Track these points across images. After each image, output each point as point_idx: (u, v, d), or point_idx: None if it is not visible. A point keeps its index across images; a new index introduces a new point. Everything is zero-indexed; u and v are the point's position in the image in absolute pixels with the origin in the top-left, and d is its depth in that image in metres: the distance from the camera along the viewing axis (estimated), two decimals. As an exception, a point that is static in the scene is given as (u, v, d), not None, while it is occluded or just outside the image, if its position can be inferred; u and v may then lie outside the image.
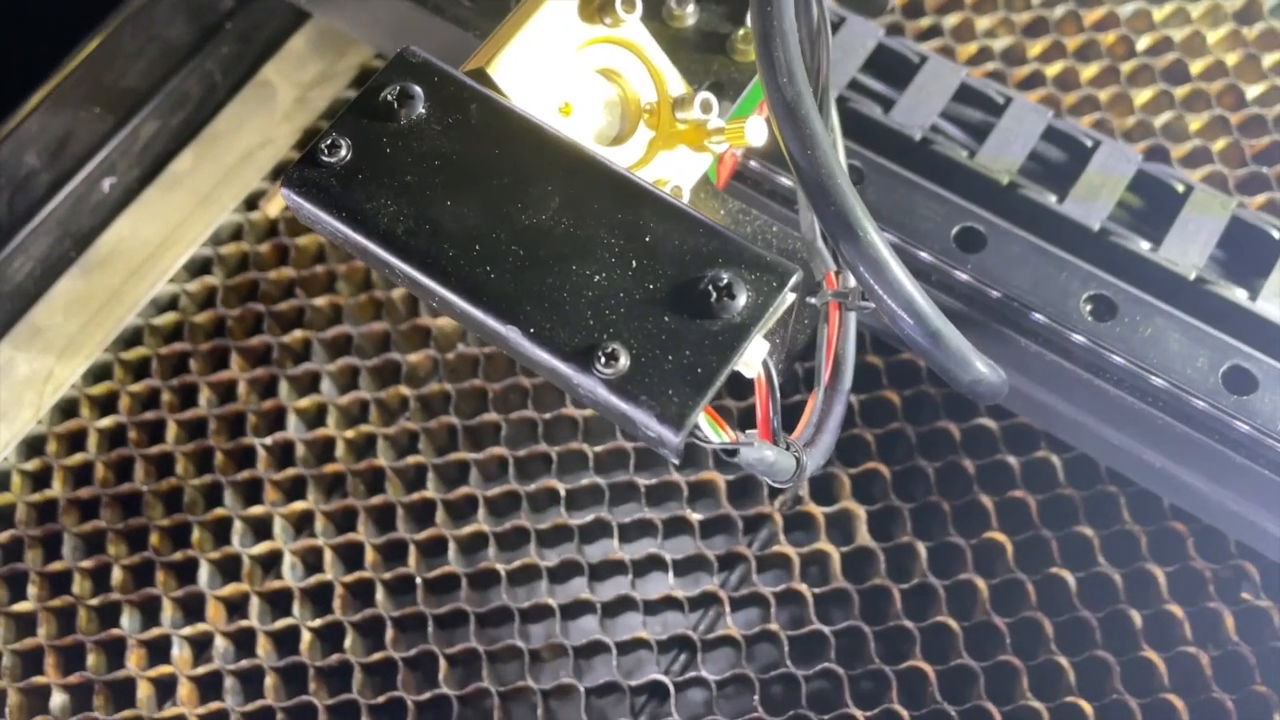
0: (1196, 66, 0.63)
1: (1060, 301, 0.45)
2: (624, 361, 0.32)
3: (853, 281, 0.43)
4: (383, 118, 0.35)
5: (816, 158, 0.33)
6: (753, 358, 0.33)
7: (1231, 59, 0.63)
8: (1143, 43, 0.64)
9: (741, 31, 0.45)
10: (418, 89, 0.35)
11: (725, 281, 0.33)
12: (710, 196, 0.46)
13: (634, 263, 0.33)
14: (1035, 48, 0.64)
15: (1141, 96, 0.62)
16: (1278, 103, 0.62)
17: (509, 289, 0.33)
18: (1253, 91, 0.62)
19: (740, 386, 0.56)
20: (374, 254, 0.34)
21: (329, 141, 0.35)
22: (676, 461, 0.34)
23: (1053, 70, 0.63)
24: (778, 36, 0.33)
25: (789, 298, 0.33)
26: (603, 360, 0.32)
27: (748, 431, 0.35)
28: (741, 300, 0.33)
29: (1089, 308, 0.45)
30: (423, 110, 0.35)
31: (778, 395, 0.34)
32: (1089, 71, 0.63)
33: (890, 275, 0.33)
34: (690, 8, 0.46)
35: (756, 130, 0.40)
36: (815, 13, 0.39)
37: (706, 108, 0.41)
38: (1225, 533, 0.52)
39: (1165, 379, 0.43)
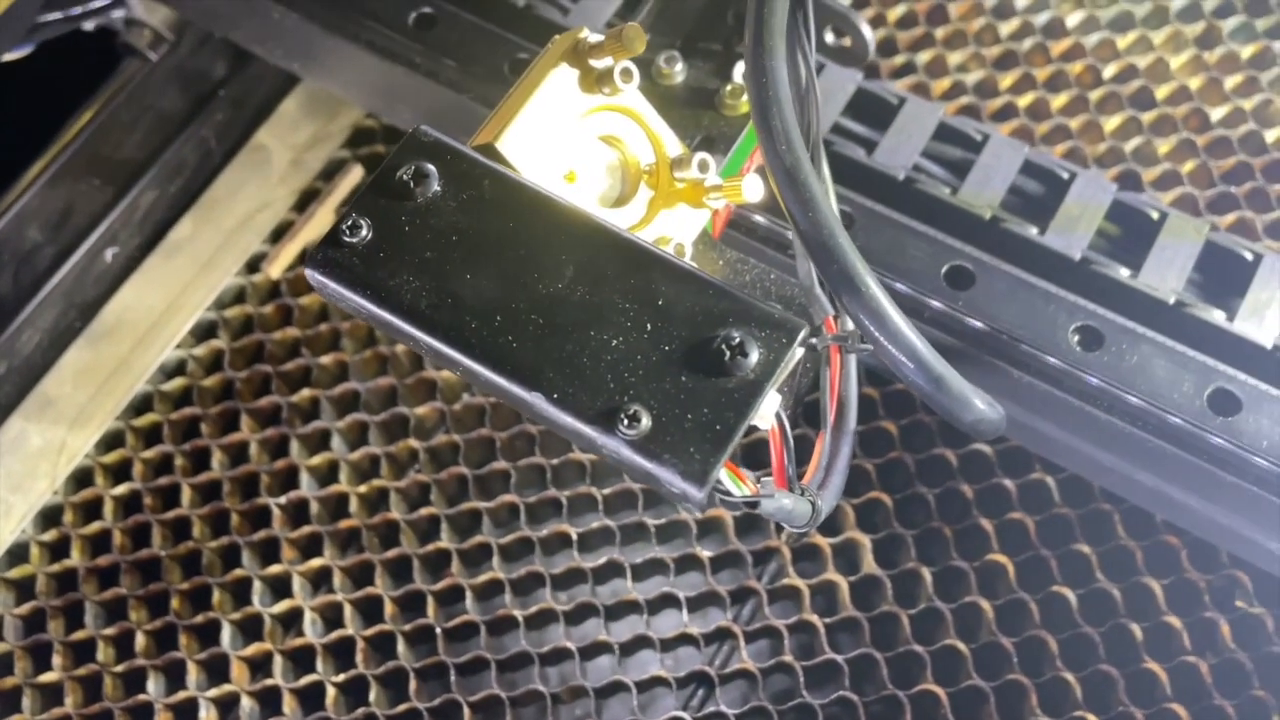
0: (1162, 92, 0.65)
1: (1049, 334, 0.46)
2: (646, 422, 0.34)
3: (851, 325, 0.45)
4: (400, 197, 0.37)
5: (817, 219, 0.34)
6: (766, 411, 0.35)
7: (1195, 83, 0.65)
8: (1109, 70, 0.66)
9: (729, 86, 0.47)
10: (431, 168, 0.37)
11: (737, 340, 0.34)
12: (708, 247, 0.47)
13: (649, 325, 0.35)
14: (1006, 80, 0.66)
15: (1111, 123, 0.65)
16: (1241, 124, 0.64)
17: (531, 357, 0.35)
18: (1217, 114, 0.65)
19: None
20: (399, 328, 0.36)
21: (350, 222, 0.36)
22: (699, 515, 0.35)
23: (1024, 101, 0.66)
24: (774, 105, 0.35)
25: (798, 353, 0.35)
26: (625, 422, 0.34)
27: (762, 479, 0.36)
28: (754, 357, 0.34)
29: (1077, 338, 0.47)
30: (438, 188, 0.37)
31: (791, 444, 0.36)
32: (1059, 101, 0.65)
33: (893, 326, 0.35)
34: (679, 66, 0.48)
35: (753, 188, 0.42)
36: (803, 73, 0.41)
37: (704, 167, 0.42)
38: (1217, 545, 0.54)
39: (1152, 404, 0.45)
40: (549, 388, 0.34)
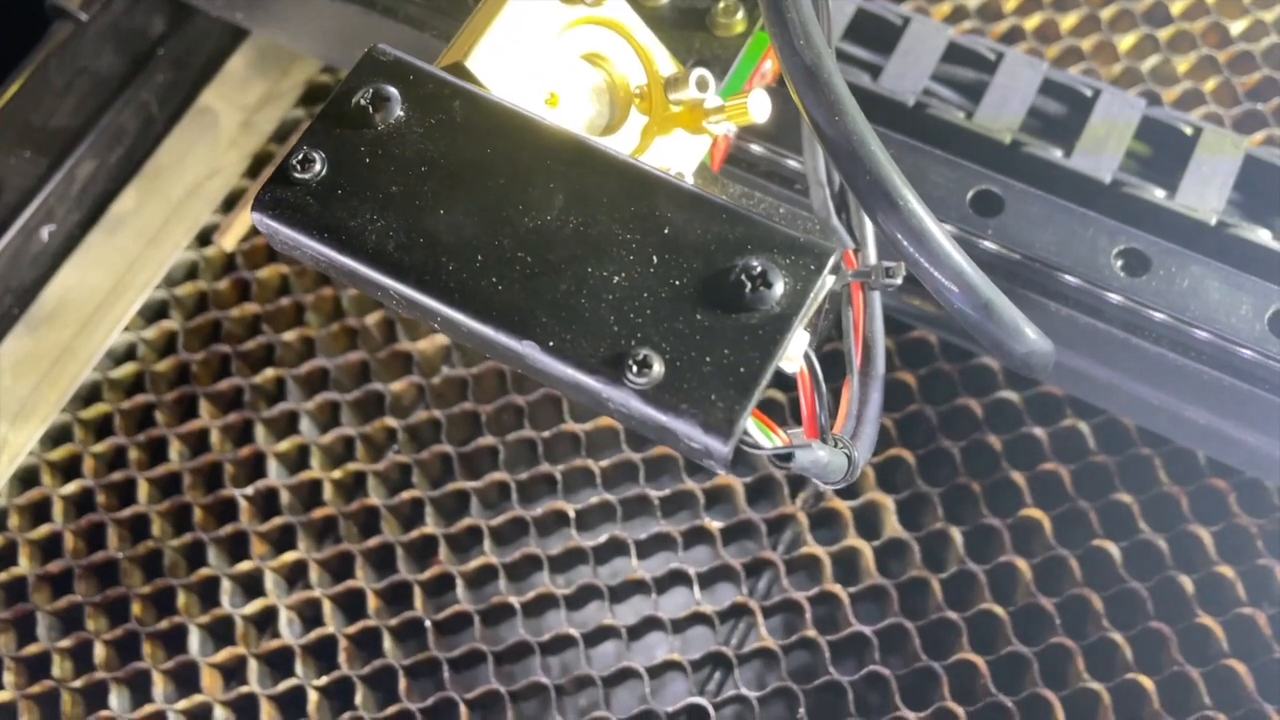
0: (1177, 7, 0.61)
1: (1090, 260, 0.42)
2: (658, 368, 0.29)
3: (874, 259, 0.40)
4: (357, 124, 0.32)
5: (845, 124, 0.30)
6: (795, 350, 0.30)
7: (1211, -4, 0.61)
8: (1119, -13, 0.62)
9: (721, 4, 0.42)
10: (392, 90, 0.32)
11: (759, 270, 0.29)
12: (709, 181, 0.43)
13: (655, 258, 0.30)
14: (1010, 1, 0.62)
15: (1125, 42, 0.60)
16: (1263, 37, 0.60)
17: (520, 300, 0.30)
18: (1236, 27, 0.60)
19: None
20: (364, 276, 0.31)
21: (300, 156, 0.31)
22: (723, 473, 0.30)
23: (1031, 23, 0.61)
24: (788, -4, 0.30)
25: (829, 280, 0.30)
26: (634, 369, 0.29)
27: (791, 430, 0.32)
28: (779, 288, 0.29)
29: (1120, 263, 0.42)
30: (400, 112, 0.32)
31: (823, 389, 0.31)
32: (1068, 21, 0.61)
33: (936, 245, 0.30)
34: (664, -17, 0.43)
35: (760, 106, 0.37)
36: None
37: (703, 85, 0.37)
38: (1266, 483, 0.50)
39: (1209, 330, 0.41)
40: (543, 334, 0.30)
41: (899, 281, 0.36)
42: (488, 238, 0.31)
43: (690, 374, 0.29)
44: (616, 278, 0.30)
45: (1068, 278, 0.42)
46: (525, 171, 0.31)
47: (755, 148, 0.45)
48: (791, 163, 0.45)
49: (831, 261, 0.30)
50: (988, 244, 0.43)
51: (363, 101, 0.32)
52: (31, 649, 0.51)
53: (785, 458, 0.29)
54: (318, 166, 0.31)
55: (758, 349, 0.29)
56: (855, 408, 0.37)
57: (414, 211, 0.31)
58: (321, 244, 0.31)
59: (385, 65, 0.32)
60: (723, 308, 0.30)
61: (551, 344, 0.30)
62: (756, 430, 0.29)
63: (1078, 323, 0.43)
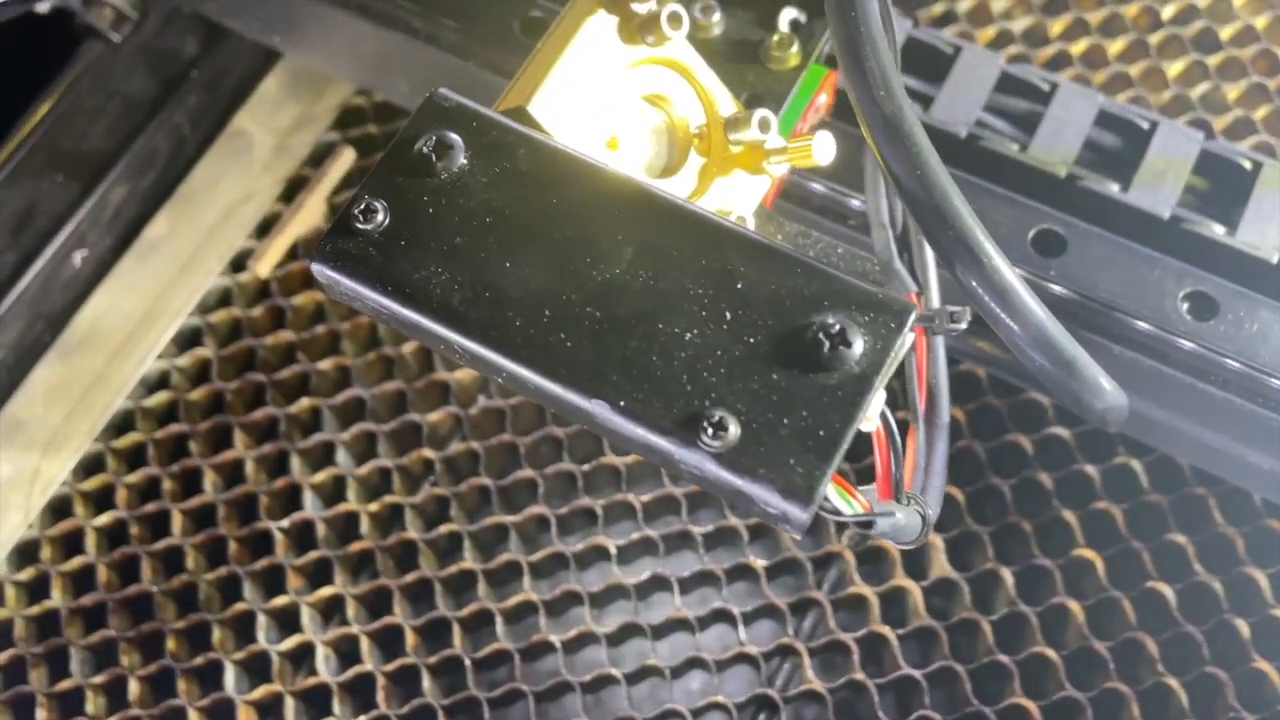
0: (1226, 32, 0.60)
1: (1156, 303, 0.41)
2: (734, 430, 0.28)
3: (936, 302, 0.39)
4: (419, 173, 0.31)
5: (927, 178, 0.29)
6: (873, 410, 0.29)
7: (1260, 22, 0.60)
8: (1167, 11, 0.61)
9: (775, 37, 0.42)
10: (455, 137, 0.31)
11: (838, 328, 0.28)
12: (764, 220, 0.42)
13: (728, 314, 0.29)
14: (1056, 26, 0.61)
15: (1174, 68, 0.59)
16: (1315, 64, 0.59)
17: (589, 358, 0.29)
18: (1288, 54, 0.59)
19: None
20: (428, 330, 0.30)
21: (362, 206, 0.30)
22: (799, 538, 0.29)
23: (1078, 48, 0.60)
24: (867, 44, 0.29)
25: (909, 338, 0.29)
26: (710, 431, 0.28)
27: (862, 488, 0.31)
28: (858, 347, 0.28)
29: (1186, 306, 0.41)
30: (464, 160, 0.31)
31: (899, 447, 0.30)
32: (1116, 47, 0.60)
33: (1019, 302, 0.29)
34: (716, 16, 0.42)
35: (825, 148, 0.36)
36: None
37: (765, 127, 0.37)
38: (1326, 527, 0.49)
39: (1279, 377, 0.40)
40: (614, 394, 0.29)
41: (964, 326, 0.35)
42: (555, 291, 0.30)
43: (767, 437, 0.28)
44: (689, 334, 0.29)
45: (1134, 321, 0.41)
46: (593, 223, 0.30)
47: (812, 184, 0.44)
48: (846, 199, 0.44)
49: (912, 319, 0.29)
50: (1051, 286, 0.42)
51: (425, 149, 0.31)
52: (64, 684, 0.51)
53: (867, 525, 0.29)
54: (380, 216, 0.30)
55: (837, 411, 0.28)
56: (922, 459, 0.36)
57: (479, 264, 0.30)
58: (384, 296, 0.30)
59: (447, 111, 0.32)
60: (800, 367, 0.29)
61: (623, 404, 0.29)
62: (836, 496, 0.28)
63: (1142, 366, 0.42)
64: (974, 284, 0.29)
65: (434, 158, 0.31)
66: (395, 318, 0.30)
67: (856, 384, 0.28)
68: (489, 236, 0.30)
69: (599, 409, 0.29)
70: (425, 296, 0.30)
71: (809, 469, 0.28)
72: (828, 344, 0.28)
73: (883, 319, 0.29)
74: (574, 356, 0.29)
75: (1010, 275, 0.29)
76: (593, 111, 0.34)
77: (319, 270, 0.30)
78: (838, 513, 0.28)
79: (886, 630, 0.49)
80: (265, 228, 0.59)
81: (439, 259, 0.30)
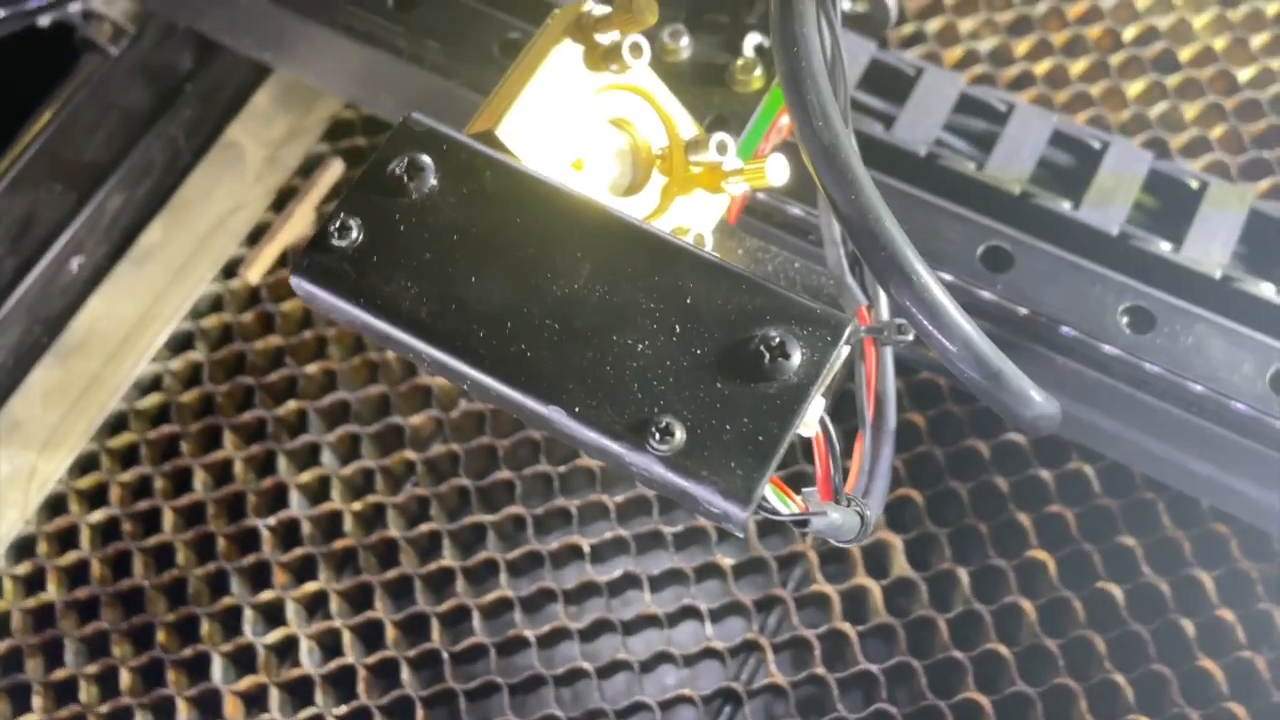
0: (1185, 54, 0.62)
1: (1097, 316, 0.43)
2: (680, 435, 0.30)
3: (885, 315, 0.41)
4: (392, 193, 0.33)
5: (861, 202, 0.31)
6: (811, 417, 0.31)
7: (1219, 43, 0.62)
8: (1129, 33, 0.63)
9: (740, 61, 0.44)
10: (426, 160, 0.33)
11: (777, 340, 0.31)
12: (726, 235, 0.44)
13: (677, 327, 0.31)
14: (1021, 46, 0.63)
15: (1134, 88, 0.61)
16: (1270, 84, 0.61)
17: (548, 367, 0.31)
18: (1244, 75, 0.61)
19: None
20: (398, 340, 0.32)
21: (338, 224, 0.32)
22: (740, 535, 0.32)
23: (1041, 68, 0.62)
24: (808, 79, 0.32)
25: (844, 351, 0.31)
26: (657, 436, 0.30)
27: (804, 490, 0.33)
28: (796, 359, 0.31)
29: (1126, 320, 0.43)
30: (434, 182, 0.33)
31: (837, 451, 0.32)
32: (1078, 67, 0.62)
33: (948, 318, 0.31)
34: (684, 40, 0.44)
35: (778, 170, 0.38)
36: (828, 41, 0.37)
37: (722, 149, 0.39)
38: (1270, 531, 0.51)
39: (1210, 388, 0.42)
40: (569, 400, 0.31)
41: (910, 338, 0.37)
42: (517, 305, 0.32)
43: (711, 441, 0.30)
44: (640, 346, 0.31)
45: (1075, 334, 0.43)
46: (554, 241, 0.32)
47: (773, 200, 0.46)
48: (804, 214, 0.46)
49: (847, 332, 0.31)
50: (997, 299, 0.44)
51: (398, 171, 0.33)
52: (59, 674, 0.53)
53: (802, 523, 0.31)
54: (354, 234, 0.32)
55: (776, 418, 0.30)
56: (867, 463, 0.38)
57: (446, 279, 0.32)
58: (358, 309, 0.32)
59: (419, 135, 0.34)
60: (742, 377, 0.31)
61: (577, 409, 0.31)
62: (774, 497, 0.30)
63: (1084, 376, 0.44)
64: (905, 301, 0.31)
65: (406, 179, 0.33)
66: (368, 328, 0.32)
67: (794, 393, 0.30)
68: (457, 253, 0.32)
69: (555, 414, 0.31)
70: (396, 309, 0.32)
71: (749, 471, 0.30)
72: (768, 355, 0.30)
73: (820, 332, 0.31)
74: (533, 365, 0.31)
75: (938, 292, 0.31)
76: (559, 134, 0.36)
77: (297, 284, 0.33)
78: (776, 512, 0.30)
79: (847, 627, 0.51)
80: (256, 236, 0.61)
81: (409, 274, 0.32)
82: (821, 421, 0.32)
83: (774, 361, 0.30)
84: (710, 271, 0.32)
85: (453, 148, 0.34)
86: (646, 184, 0.39)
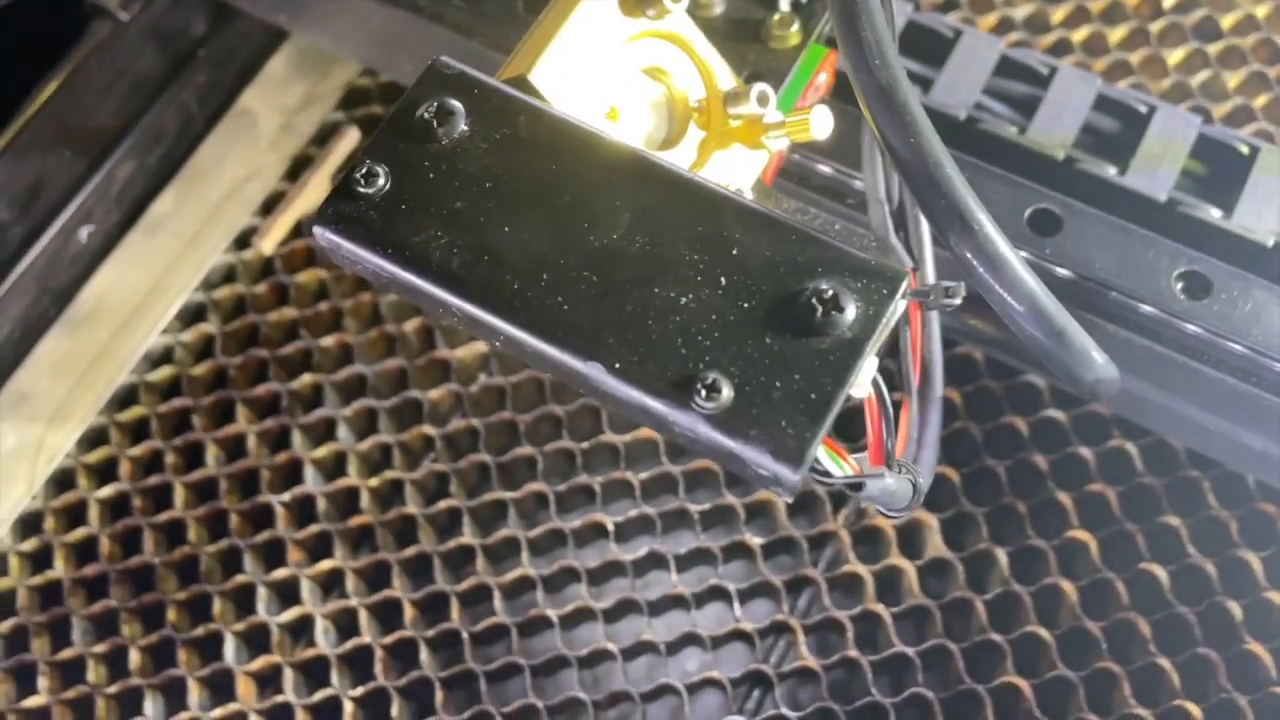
0: (1227, 21, 0.60)
1: (1150, 281, 0.41)
2: (727, 393, 0.28)
3: (932, 278, 0.39)
4: (421, 139, 0.31)
5: (920, 145, 0.29)
6: (864, 376, 0.30)
7: (1261, 11, 0.60)
8: (1169, 0, 0.61)
9: (777, 16, 0.42)
10: (456, 104, 0.31)
11: (830, 293, 0.29)
12: (762, 196, 0.42)
13: (723, 280, 0.30)
14: (1058, 13, 0.61)
15: (1174, 56, 0.59)
16: (1316, 53, 0.59)
17: (586, 321, 0.29)
18: (1288, 43, 0.59)
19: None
20: (427, 293, 0.30)
21: (364, 170, 0.31)
22: (790, 499, 0.30)
23: (1079, 36, 0.60)
24: (863, 14, 0.30)
25: (901, 305, 0.30)
26: (703, 393, 0.28)
27: (854, 455, 0.31)
28: (850, 313, 0.29)
29: (1180, 285, 0.42)
30: (465, 127, 0.31)
31: (891, 415, 0.31)
32: (1117, 34, 0.60)
33: (1012, 272, 0.30)
34: (719, -7, 0.42)
35: (822, 122, 0.36)
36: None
37: (763, 101, 0.37)
38: (1320, 510, 0.49)
39: (1270, 355, 0.40)
40: (609, 356, 0.29)
41: (958, 301, 0.36)
42: (553, 256, 0.30)
43: (760, 399, 0.28)
44: (684, 299, 0.29)
45: (1127, 300, 0.41)
46: (591, 189, 0.31)
47: (809, 162, 0.45)
48: (846, 178, 0.45)
49: (904, 286, 0.29)
50: (1045, 264, 0.42)
51: (427, 115, 0.31)
52: (66, 653, 0.51)
53: (856, 486, 0.29)
54: (381, 181, 0.31)
55: (829, 375, 0.28)
56: (915, 431, 0.36)
57: (478, 228, 0.30)
58: (385, 260, 0.30)
59: (449, 79, 0.32)
60: (793, 332, 0.29)
61: (618, 365, 0.29)
62: (827, 458, 0.29)
63: (1134, 345, 0.42)
64: (966, 253, 0.30)
65: (435, 124, 0.31)
66: (395, 281, 0.31)
67: (848, 349, 0.29)
68: (488, 202, 0.31)
69: (594, 371, 0.29)
70: (425, 260, 0.30)
71: (800, 431, 0.28)
72: (820, 309, 0.29)
73: (875, 286, 0.29)
74: (571, 320, 0.30)
75: (1003, 245, 0.29)
76: (593, 82, 0.34)
77: (320, 233, 0.31)
78: (828, 475, 0.29)
79: (881, 609, 0.50)
80: (270, 205, 0.59)
81: (439, 223, 0.31)
82: (875, 382, 0.30)
83: (827, 315, 0.29)
84: (757, 221, 0.30)
85: (484, 92, 0.32)
86: (683, 138, 0.37)
